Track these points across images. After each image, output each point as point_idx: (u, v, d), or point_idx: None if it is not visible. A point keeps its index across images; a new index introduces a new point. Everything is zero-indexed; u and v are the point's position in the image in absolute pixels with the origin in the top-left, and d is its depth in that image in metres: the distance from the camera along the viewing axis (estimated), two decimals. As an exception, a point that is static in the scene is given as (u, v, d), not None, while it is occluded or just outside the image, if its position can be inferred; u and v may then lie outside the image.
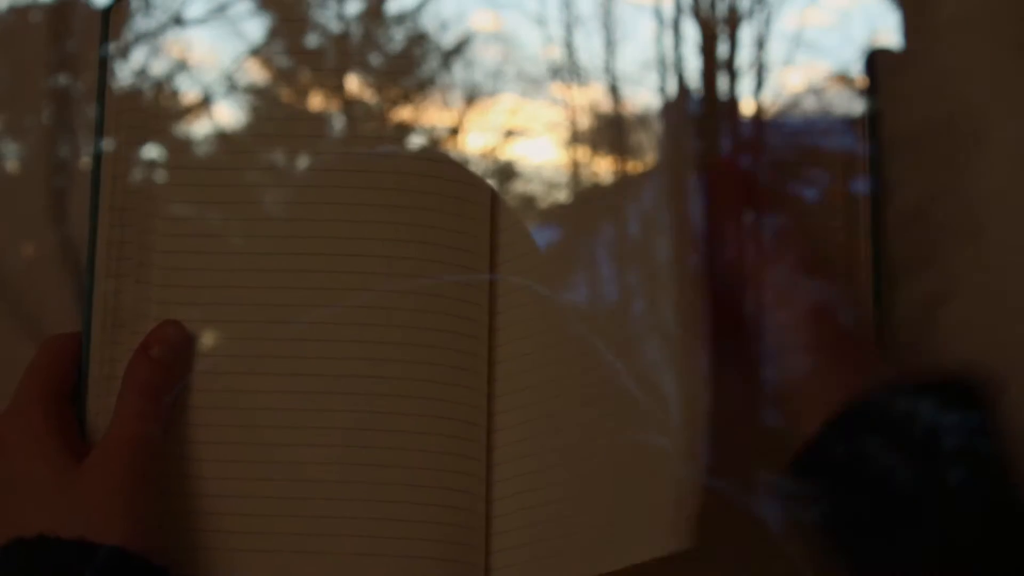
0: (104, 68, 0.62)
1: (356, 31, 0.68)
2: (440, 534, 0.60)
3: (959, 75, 0.63)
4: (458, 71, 0.68)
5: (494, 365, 0.62)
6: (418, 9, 0.68)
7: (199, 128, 0.65)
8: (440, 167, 0.63)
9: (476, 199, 0.63)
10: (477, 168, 0.65)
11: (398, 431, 0.60)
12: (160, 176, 0.63)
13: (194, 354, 0.60)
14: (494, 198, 0.64)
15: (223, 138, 0.65)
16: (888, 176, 0.63)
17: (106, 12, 0.63)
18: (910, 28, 0.64)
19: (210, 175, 0.63)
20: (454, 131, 0.67)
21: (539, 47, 0.68)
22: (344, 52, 0.67)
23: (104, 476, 0.55)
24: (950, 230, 0.63)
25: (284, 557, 0.59)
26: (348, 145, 0.65)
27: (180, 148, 0.64)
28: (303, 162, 0.64)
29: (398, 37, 0.68)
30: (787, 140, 0.63)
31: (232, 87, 0.65)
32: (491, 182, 0.64)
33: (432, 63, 0.68)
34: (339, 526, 0.59)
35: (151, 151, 0.63)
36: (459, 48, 0.68)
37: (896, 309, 0.62)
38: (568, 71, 0.68)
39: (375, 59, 0.69)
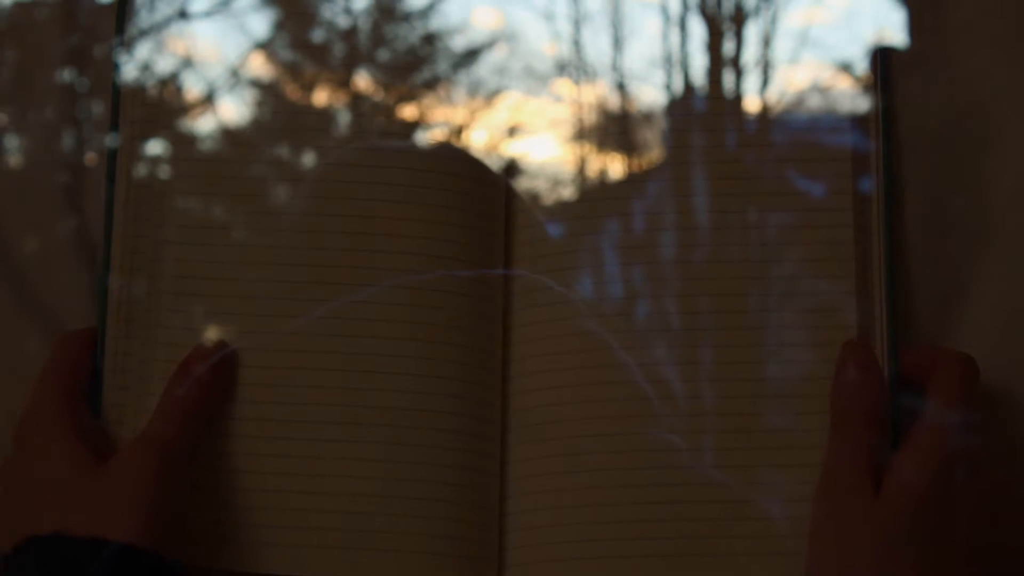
0: (117, 63, 0.63)
1: (363, 26, 0.68)
2: (454, 531, 0.60)
3: (973, 74, 0.63)
4: (464, 67, 0.68)
5: (508, 363, 0.62)
6: (428, 8, 0.68)
7: (206, 123, 0.64)
8: (455, 163, 0.63)
9: (491, 196, 0.63)
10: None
11: (410, 427, 0.60)
12: (169, 171, 0.63)
13: (237, 378, 0.60)
14: (509, 195, 0.64)
15: (232, 133, 0.65)
16: (901, 175, 0.63)
17: (121, 6, 0.63)
18: (921, 26, 0.64)
19: (221, 170, 0.63)
20: (460, 128, 0.67)
21: (545, 43, 0.68)
22: (350, 47, 0.67)
23: (126, 476, 0.56)
24: (964, 230, 0.63)
25: (308, 551, 0.59)
26: (354, 141, 0.65)
27: (188, 143, 0.64)
28: (312, 157, 0.64)
29: (404, 33, 0.68)
30: (794, 138, 0.63)
31: (237, 82, 0.65)
32: (497, 179, 0.65)
33: (439, 60, 0.68)
34: (355, 522, 0.59)
35: (159, 146, 0.63)
36: (474, 53, 0.68)
37: (909, 309, 0.62)
38: (574, 68, 0.68)
39: (381, 55, 0.69)
